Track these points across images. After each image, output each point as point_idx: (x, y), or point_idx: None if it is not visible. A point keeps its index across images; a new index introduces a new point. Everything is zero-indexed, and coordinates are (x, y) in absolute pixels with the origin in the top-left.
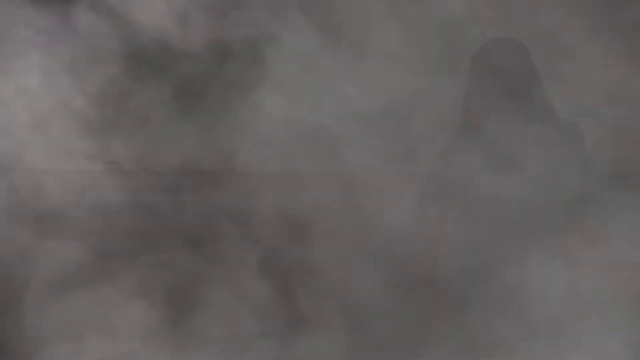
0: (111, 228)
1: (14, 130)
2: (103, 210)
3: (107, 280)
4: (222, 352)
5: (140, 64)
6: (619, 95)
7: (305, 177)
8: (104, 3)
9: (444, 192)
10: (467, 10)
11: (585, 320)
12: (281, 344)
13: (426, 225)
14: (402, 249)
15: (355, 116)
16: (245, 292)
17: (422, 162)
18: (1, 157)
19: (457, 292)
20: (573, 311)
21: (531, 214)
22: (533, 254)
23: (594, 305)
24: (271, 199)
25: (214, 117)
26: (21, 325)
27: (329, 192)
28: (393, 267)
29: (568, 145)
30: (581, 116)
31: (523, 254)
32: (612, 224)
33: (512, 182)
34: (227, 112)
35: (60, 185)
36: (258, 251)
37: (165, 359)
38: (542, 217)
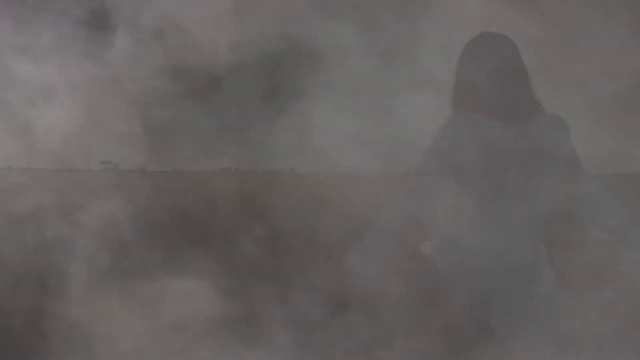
0: (167, 224)
1: (64, 136)
2: (148, 209)
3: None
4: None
5: (188, 79)
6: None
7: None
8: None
9: (433, 183)
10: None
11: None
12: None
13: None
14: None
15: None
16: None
17: None
18: (51, 160)
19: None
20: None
21: (521, 208)
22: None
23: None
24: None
25: (265, 123)
26: (67, 316)
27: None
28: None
29: (554, 139)
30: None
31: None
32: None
33: (503, 177)
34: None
35: (113, 185)
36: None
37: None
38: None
